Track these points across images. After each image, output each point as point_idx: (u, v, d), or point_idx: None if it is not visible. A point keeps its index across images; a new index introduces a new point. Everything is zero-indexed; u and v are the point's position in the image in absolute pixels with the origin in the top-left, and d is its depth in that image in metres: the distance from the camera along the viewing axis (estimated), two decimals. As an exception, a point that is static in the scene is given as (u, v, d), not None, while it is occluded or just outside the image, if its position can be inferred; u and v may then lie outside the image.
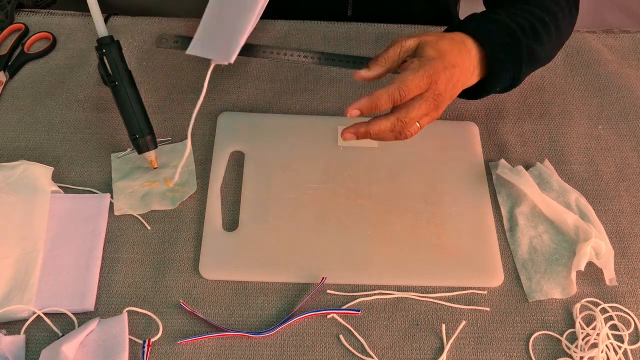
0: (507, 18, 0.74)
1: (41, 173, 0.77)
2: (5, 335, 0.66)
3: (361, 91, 0.90)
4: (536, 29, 0.75)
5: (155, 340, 0.68)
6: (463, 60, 0.69)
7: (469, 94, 0.75)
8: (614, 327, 0.71)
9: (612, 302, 0.72)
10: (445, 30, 0.76)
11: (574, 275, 0.73)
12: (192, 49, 0.68)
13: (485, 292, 0.73)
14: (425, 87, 0.65)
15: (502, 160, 0.82)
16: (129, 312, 0.68)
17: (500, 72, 0.72)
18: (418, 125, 0.67)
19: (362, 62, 0.94)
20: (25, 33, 0.95)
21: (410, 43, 0.69)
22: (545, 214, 0.78)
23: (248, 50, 0.96)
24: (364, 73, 0.69)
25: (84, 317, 0.69)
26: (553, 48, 0.81)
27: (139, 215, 0.77)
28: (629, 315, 0.72)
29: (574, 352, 0.68)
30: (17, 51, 0.93)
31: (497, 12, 0.76)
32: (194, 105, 0.89)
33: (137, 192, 0.78)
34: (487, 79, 0.73)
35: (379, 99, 0.64)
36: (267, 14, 0.99)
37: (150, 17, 0.98)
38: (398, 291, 0.72)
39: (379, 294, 0.72)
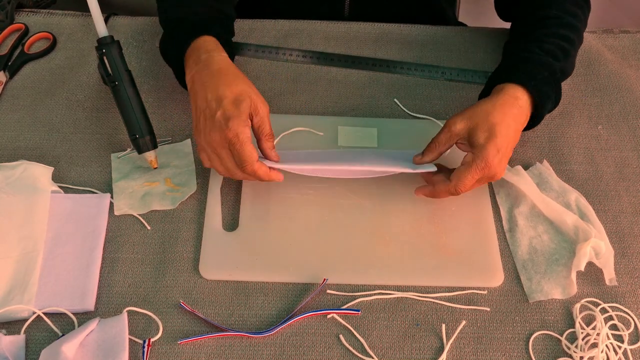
0: (539, 51, 0.79)
1: (41, 173, 0.77)
2: (5, 335, 0.66)
3: (360, 91, 0.91)
4: (564, 49, 0.81)
5: (155, 340, 0.68)
6: (516, 118, 0.74)
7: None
8: (614, 327, 0.71)
9: (612, 302, 0.72)
10: (490, 77, 0.81)
11: (574, 275, 0.73)
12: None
13: (485, 292, 0.73)
14: (480, 175, 0.72)
15: (502, 160, 0.82)
16: (129, 312, 0.68)
17: (546, 104, 0.77)
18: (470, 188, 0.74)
19: (361, 62, 0.94)
20: (26, 33, 0.95)
21: (460, 128, 0.73)
22: (544, 214, 0.78)
23: (248, 50, 0.96)
24: (418, 159, 0.76)
25: (84, 317, 0.69)
26: (576, 54, 0.85)
27: (139, 215, 0.77)
28: (629, 315, 0.72)
29: (574, 352, 0.68)
30: (17, 51, 0.93)
31: (529, 49, 0.80)
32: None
33: (137, 192, 0.78)
34: (536, 113, 0.77)
35: (439, 194, 0.75)
36: (266, 14, 1.00)
37: (150, 17, 0.98)
38: (398, 291, 0.72)
39: (379, 294, 0.72)
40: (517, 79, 0.76)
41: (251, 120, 0.72)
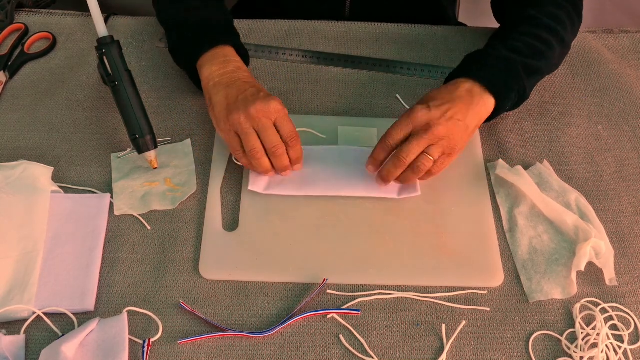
0: (500, 47, 0.80)
1: (41, 173, 0.77)
2: (5, 335, 0.66)
3: (360, 91, 0.91)
4: (534, 47, 0.81)
5: (155, 340, 0.68)
6: (458, 94, 0.75)
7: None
8: (614, 327, 0.71)
9: (612, 302, 0.72)
10: (446, 79, 0.83)
11: (574, 275, 0.73)
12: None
13: (486, 292, 0.73)
14: (408, 127, 0.73)
15: (501, 161, 0.82)
16: (129, 312, 0.68)
17: (503, 92, 0.78)
18: (430, 157, 0.73)
19: (361, 62, 0.94)
20: (25, 33, 0.95)
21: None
22: (545, 214, 0.78)
23: (248, 50, 0.96)
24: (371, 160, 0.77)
25: (84, 317, 0.69)
26: (558, 57, 0.85)
27: (139, 215, 0.77)
28: (629, 315, 0.72)
29: (574, 352, 0.68)
30: (17, 51, 0.93)
31: (491, 44, 0.82)
32: (194, 105, 0.89)
33: (137, 192, 0.78)
34: (497, 104, 0.78)
35: (376, 153, 0.76)
36: (266, 14, 1.00)
37: (150, 17, 0.98)
38: (398, 291, 0.72)
39: (379, 294, 0.72)
40: (467, 72, 0.78)
41: None
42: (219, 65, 0.79)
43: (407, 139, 0.73)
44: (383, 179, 0.76)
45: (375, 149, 0.76)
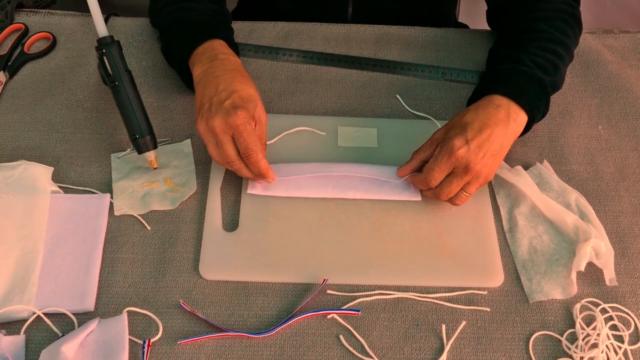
0: (530, 64, 0.80)
1: (41, 173, 0.77)
2: (5, 335, 0.66)
3: (361, 92, 0.91)
4: (555, 64, 0.82)
5: (155, 341, 0.68)
6: (496, 120, 0.74)
7: None
8: (614, 328, 0.71)
9: (612, 303, 0.72)
10: (475, 89, 0.82)
11: (574, 275, 0.73)
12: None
13: (486, 293, 0.73)
14: (450, 167, 0.72)
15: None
16: (129, 312, 0.68)
17: (536, 116, 0.79)
18: (468, 194, 0.75)
19: (362, 62, 0.94)
20: (25, 33, 0.95)
21: (439, 134, 0.76)
22: (545, 215, 0.78)
23: (248, 51, 0.96)
24: (401, 168, 0.78)
25: (84, 317, 0.69)
26: (566, 70, 0.86)
27: (139, 215, 0.77)
28: (629, 315, 0.72)
29: (574, 352, 0.68)
30: (17, 51, 0.93)
31: (520, 59, 0.80)
32: (194, 106, 0.89)
33: (137, 192, 0.78)
34: (526, 127, 0.78)
35: (415, 183, 0.78)
36: (268, 18, 1.00)
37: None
38: (398, 291, 0.72)
39: (379, 294, 0.72)
40: (508, 92, 0.76)
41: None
42: (204, 63, 0.79)
43: (446, 178, 0.74)
44: (407, 174, 0.78)
45: (415, 183, 0.77)
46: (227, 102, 0.72)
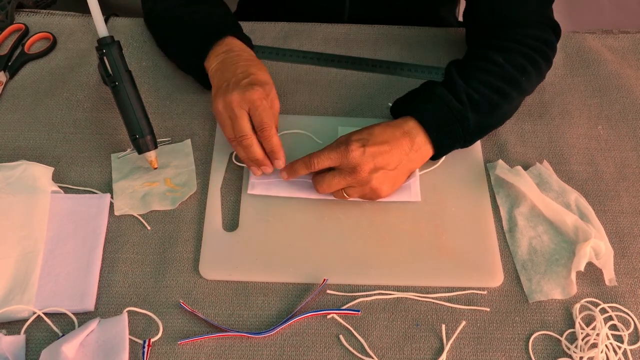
0: (461, 93, 0.77)
1: (41, 173, 0.77)
2: (5, 335, 0.66)
3: (360, 92, 0.91)
4: (493, 102, 0.79)
5: (155, 341, 0.68)
6: (398, 144, 0.74)
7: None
8: (613, 327, 0.71)
9: (612, 302, 0.72)
10: (403, 97, 0.82)
11: (574, 275, 0.73)
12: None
13: (485, 293, 0.73)
14: (337, 161, 0.72)
15: (500, 161, 0.82)
16: (129, 312, 0.69)
17: (443, 152, 0.79)
18: (346, 195, 0.75)
19: (361, 63, 0.94)
20: (26, 33, 0.95)
21: (346, 135, 0.75)
22: (544, 215, 0.78)
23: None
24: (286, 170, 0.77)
25: (84, 317, 0.69)
26: (515, 106, 0.84)
27: (139, 215, 0.77)
28: (629, 315, 0.72)
29: (574, 352, 0.68)
30: (18, 51, 0.93)
31: (452, 89, 0.78)
32: (194, 105, 0.89)
33: (137, 192, 0.78)
34: (432, 156, 0.79)
35: (299, 166, 0.75)
36: (267, 18, 1.00)
37: (150, 17, 0.97)
38: (398, 291, 0.72)
39: (379, 294, 0.72)
40: (425, 122, 0.76)
41: None
42: (220, 56, 0.81)
43: (331, 169, 0.74)
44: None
45: (298, 162, 0.74)
46: (245, 80, 0.75)
